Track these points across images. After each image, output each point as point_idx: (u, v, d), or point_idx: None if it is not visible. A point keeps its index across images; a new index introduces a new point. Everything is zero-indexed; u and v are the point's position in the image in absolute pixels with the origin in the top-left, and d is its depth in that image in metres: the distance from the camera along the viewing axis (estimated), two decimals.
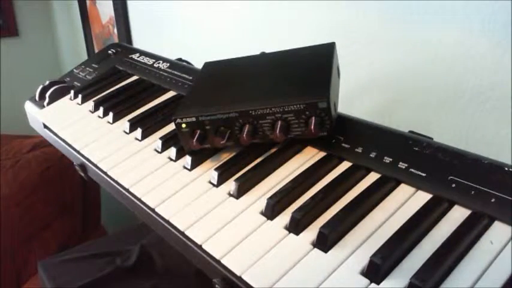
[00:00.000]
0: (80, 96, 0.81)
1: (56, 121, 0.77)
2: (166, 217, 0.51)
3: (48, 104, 0.83)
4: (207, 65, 0.68)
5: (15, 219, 1.43)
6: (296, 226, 0.45)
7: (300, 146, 0.56)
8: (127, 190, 0.57)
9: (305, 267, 0.41)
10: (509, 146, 0.62)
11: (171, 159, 0.60)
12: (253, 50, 0.71)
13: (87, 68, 0.92)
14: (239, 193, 0.51)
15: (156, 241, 1.16)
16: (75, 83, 0.89)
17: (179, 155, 0.60)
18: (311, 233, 0.44)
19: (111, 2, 1.58)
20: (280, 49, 0.65)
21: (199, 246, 0.46)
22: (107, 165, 0.62)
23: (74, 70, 0.94)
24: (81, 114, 0.77)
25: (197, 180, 0.56)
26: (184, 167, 0.58)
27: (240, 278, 0.42)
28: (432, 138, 0.51)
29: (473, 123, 0.67)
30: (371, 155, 0.51)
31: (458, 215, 0.43)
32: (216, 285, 0.44)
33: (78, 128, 0.73)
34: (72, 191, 1.60)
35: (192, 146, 0.56)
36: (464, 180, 0.44)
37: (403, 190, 0.47)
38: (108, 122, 0.72)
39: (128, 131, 0.69)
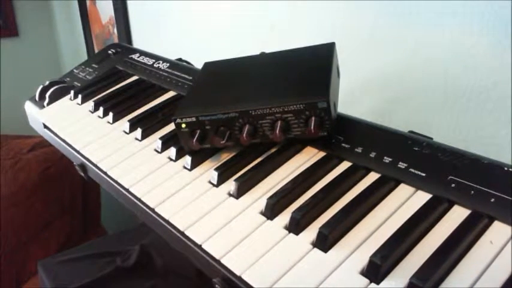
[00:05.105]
0: (80, 96, 0.81)
1: (56, 121, 0.77)
2: (166, 217, 0.51)
3: (48, 104, 0.83)
4: (207, 65, 0.68)
5: (15, 219, 1.43)
6: (296, 226, 0.45)
7: (299, 146, 0.56)
8: (127, 190, 0.57)
9: (305, 267, 0.41)
10: (509, 146, 0.62)
11: (171, 159, 0.60)
12: (253, 50, 0.71)
13: (87, 68, 0.92)
14: (239, 193, 0.51)
15: (156, 241, 1.16)
16: (75, 83, 0.89)
17: (179, 155, 0.60)
18: (311, 232, 0.44)
19: (111, 2, 1.58)
20: (280, 49, 0.65)
21: (199, 246, 0.46)
22: (107, 165, 0.62)
23: (74, 70, 0.94)
24: (81, 114, 0.77)
25: (197, 180, 0.56)
26: (184, 167, 0.58)
27: (240, 278, 0.42)
28: (432, 138, 0.51)
29: (473, 123, 0.67)
30: (371, 155, 0.51)
31: (458, 214, 0.43)
32: (216, 285, 0.44)
33: (78, 128, 0.73)
34: (72, 191, 1.60)
35: (192, 146, 0.56)
36: (464, 180, 0.44)
37: (403, 190, 0.47)
38: (108, 122, 0.72)
39: (127, 131, 0.69)
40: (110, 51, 0.94)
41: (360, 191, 0.48)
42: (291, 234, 0.45)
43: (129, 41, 1.57)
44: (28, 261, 1.45)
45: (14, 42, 2.11)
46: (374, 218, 0.45)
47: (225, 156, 0.58)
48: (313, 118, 0.51)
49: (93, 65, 0.93)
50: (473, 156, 0.46)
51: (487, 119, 0.65)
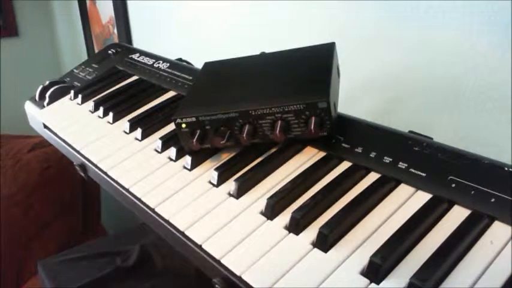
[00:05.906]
0: (80, 96, 0.81)
1: (56, 121, 0.77)
2: (166, 217, 0.51)
3: (48, 104, 0.83)
4: (207, 65, 0.68)
5: (15, 219, 1.43)
6: (296, 226, 0.45)
7: (300, 146, 0.56)
8: (127, 190, 0.57)
9: (305, 267, 0.41)
10: (509, 146, 0.62)
11: (171, 159, 0.60)
12: (253, 50, 0.71)
13: (87, 68, 0.92)
14: (239, 193, 0.51)
15: (156, 241, 1.16)
16: (75, 83, 0.89)
17: (179, 155, 0.60)
18: (311, 233, 0.44)
19: (111, 2, 1.58)
20: (280, 49, 0.65)
21: (199, 246, 0.46)
22: (106, 165, 0.62)
23: (74, 70, 0.94)
24: (81, 114, 0.77)
25: (197, 180, 0.56)
26: (184, 167, 0.58)
27: (239, 278, 0.42)
28: (432, 138, 0.51)
29: (473, 123, 0.67)
30: (371, 155, 0.51)
31: (458, 214, 0.43)
32: (216, 285, 0.44)
33: (78, 128, 0.73)
34: (72, 191, 1.60)
35: (192, 146, 0.56)
36: (464, 180, 0.44)
37: (403, 190, 0.47)
38: (108, 122, 0.72)
39: (128, 131, 0.69)
40: (110, 51, 0.94)
41: (360, 191, 0.48)
42: (291, 234, 0.45)
43: (129, 41, 1.57)
44: (28, 261, 1.45)
45: (14, 42, 2.11)
46: (374, 218, 0.45)
47: (225, 156, 0.58)
48: (313, 118, 0.51)
49: (93, 65, 0.93)
50: (473, 156, 0.46)
51: (487, 119, 0.65)
